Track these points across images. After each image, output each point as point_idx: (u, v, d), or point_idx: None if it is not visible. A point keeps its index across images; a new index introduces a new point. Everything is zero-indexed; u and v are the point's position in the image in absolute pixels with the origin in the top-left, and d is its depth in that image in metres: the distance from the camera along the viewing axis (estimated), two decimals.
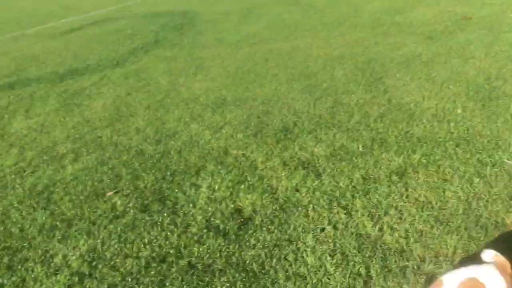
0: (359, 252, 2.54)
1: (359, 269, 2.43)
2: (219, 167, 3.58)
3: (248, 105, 4.79)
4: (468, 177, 3.01)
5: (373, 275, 2.37)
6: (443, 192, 2.92)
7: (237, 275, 2.48)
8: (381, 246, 2.56)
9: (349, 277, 2.38)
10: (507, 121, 3.65)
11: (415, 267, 2.37)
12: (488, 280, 1.83)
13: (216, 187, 3.32)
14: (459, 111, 3.93)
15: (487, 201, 2.77)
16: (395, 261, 2.44)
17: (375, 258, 2.47)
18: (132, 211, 3.16)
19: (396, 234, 2.62)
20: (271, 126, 4.20)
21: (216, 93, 5.29)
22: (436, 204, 2.82)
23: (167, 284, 2.49)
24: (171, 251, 2.72)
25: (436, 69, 5.02)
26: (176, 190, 3.34)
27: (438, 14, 7.58)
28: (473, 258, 2.26)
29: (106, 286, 2.53)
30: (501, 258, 1.94)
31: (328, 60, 5.91)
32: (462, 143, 3.42)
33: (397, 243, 2.56)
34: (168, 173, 3.58)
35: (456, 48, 5.68)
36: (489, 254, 1.96)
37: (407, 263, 2.40)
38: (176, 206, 3.15)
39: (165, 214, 3.07)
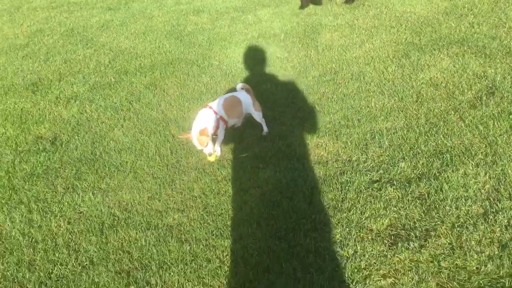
0: None
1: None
2: None
3: None
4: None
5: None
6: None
7: None
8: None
9: None
10: (200, 46, 5.19)
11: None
12: (240, 95, 3.20)
13: None
14: (167, 46, 5.25)
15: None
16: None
17: None
18: None
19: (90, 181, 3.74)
20: None
21: None
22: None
23: None
24: None
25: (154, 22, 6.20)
26: None
27: None
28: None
29: None
30: (246, 86, 3.31)
31: None
32: (172, 64, 4.75)
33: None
34: None
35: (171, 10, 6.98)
36: (240, 85, 3.30)
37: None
38: None
39: None
